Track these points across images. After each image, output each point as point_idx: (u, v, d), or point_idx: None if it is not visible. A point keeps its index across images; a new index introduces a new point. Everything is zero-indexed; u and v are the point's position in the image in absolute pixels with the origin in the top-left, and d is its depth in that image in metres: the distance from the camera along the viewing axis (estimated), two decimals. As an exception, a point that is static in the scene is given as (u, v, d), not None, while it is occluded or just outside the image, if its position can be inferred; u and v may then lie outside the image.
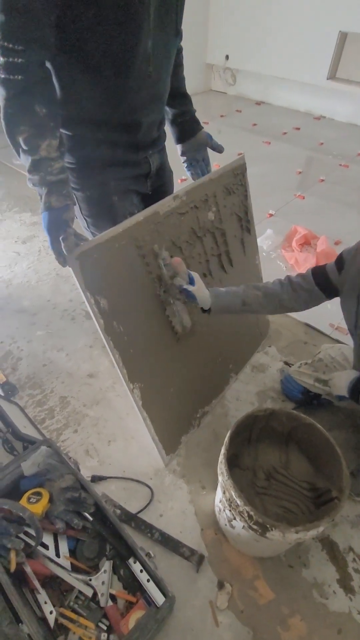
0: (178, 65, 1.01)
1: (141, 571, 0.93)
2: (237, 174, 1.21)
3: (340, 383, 1.10)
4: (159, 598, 0.89)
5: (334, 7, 3.16)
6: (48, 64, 0.79)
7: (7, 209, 2.50)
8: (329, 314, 1.69)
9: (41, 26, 0.69)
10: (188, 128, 1.11)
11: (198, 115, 1.14)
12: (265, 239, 2.17)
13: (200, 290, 0.99)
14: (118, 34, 0.75)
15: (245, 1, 3.61)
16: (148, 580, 0.91)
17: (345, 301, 1.02)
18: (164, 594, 0.89)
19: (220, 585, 1.00)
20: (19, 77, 0.70)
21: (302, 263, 1.99)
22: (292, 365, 1.43)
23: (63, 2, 0.69)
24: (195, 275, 1.00)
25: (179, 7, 0.84)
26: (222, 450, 0.91)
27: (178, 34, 0.88)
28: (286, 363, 1.54)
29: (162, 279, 1.01)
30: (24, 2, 0.65)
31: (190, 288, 0.98)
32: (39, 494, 0.97)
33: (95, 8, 0.70)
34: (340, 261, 1.00)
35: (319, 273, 1.03)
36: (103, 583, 0.91)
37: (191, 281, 0.99)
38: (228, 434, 0.92)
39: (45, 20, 0.69)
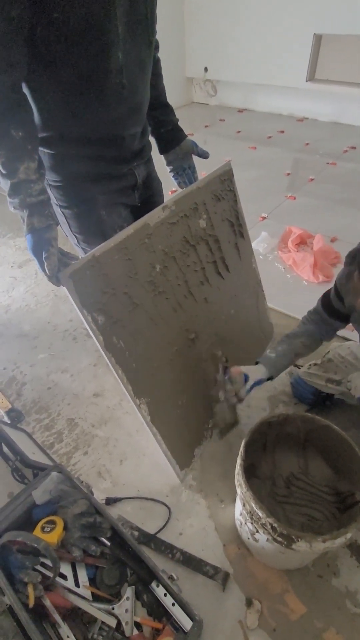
0: (156, 76, 1.01)
1: (165, 595, 0.89)
2: (224, 180, 1.21)
3: None
4: (186, 623, 0.85)
5: (306, 11, 3.23)
6: (25, 89, 0.79)
7: (1, 235, 2.51)
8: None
9: (9, 48, 0.69)
10: (171, 138, 1.11)
11: (182, 127, 1.13)
12: (261, 242, 2.16)
13: (257, 373, 1.06)
14: (86, 49, 0.75)
15: (218, 13, 3.70)
16: (173, 604, 0.87)
17: (357, 325, 1.04)
18: (191, 617, 0.85)
19: (249, 603, 0.96)
20: None
21: (300, 263, 1.98)
22: (301, 367, 1.40)
23: (30, 23, 0.69)
24: (246, 369, 1.06)
25: (150, 17, 0.84)
26: (238, 461, 0.88)
27: (151, 44, 0.88)
28: (295, 365, 1.51)
29: (226, 388, 1.08)
30: None
31: (252, 382, 1.04)
32: (52, 522, 0.93)
33: (61, 25, 0.70)
34: (337, 290, 1.03)
35: (327, 306, 1.07)
36: (126, 611, 0.87)
37: (246, 377, 1.05)
38: (242, 444, 0.90)
39: (14, 42, 0.69)
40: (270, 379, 1.09)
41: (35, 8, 0.68)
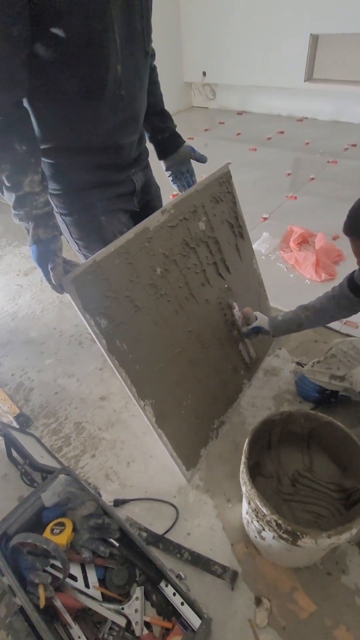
0: (153, 83, 1.03)
1: (174, 594, 0.90)
2: (223, 182, 1.22)
3: None
4: (195, 621, 0.85)
5: (302, 12, 3.24)
6: (25, 102, 0.81)
7: (6, 244, 2.55)
8: (335, 309, 1.67)
9: (11, 65, 0.71)
10: (169, 144, 1.12)
11: (182, 131, 1.15)
12: (263, 243, 2.17)
13: (261, 319, 1.28)
14: (85, 64, 0.77)
15: (214, 17, 3.73)
16: (182, 604, 0.88)
17: None
18: (200, 616, 0.86)
19: (258, 602, 0.96)
20: None
21: (302, 262, 1.98)
22: (305, 365, 1.40)
23: (30, 40, 0.71)
24: (257, 314, 1.30)
25: (145, 30, 0.85)
26: (242, 460, 0.89)
27: (147, 54, 0.90)
28: (298, 363, 1.51)
29: (236, 324, 1.32)
30: None
31: (255, 324, 1.28)
32: (62, 524, 0.95)
33: (61, 41, 0.72)
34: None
35: (350, 282, 1.09)
36: (136, 611, 0.88)
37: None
38: (246, 442, 0.90)
39: (15, 60, 0.70)
40: (273, 335, 1.28)
41: (35, 25, 0.70)
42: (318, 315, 1.18)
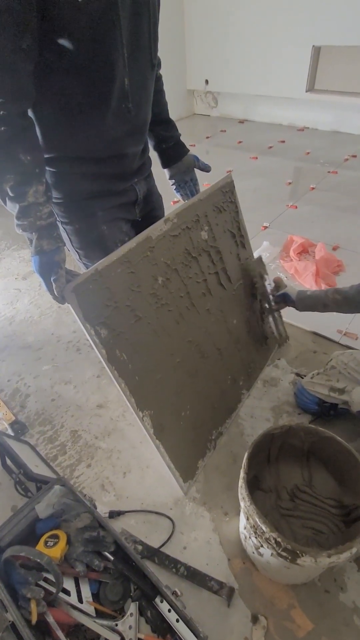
0: (158, 93, 1.03)
1: (169, 611, 0.87)
2: (226, 191, 1.22)
3: None
4: (190, 639, 0.83)
5: (305, 24, 3.29)
6: (30, 112, 0.81)
7: (5, 247, 2.54)
8: (335, 320, 1.66)
9: (19, 77, 0.70)
10: (173, 153, 1.12)
11: (184, 138, 1.16)
12: (263, 251, 2.17)
13: (290, 288, 1.31)
14: (93, 77, 0.77)
15: (218, 27, 3.77)
16: (177, 621, 0.86)
17: None
18: (196, 634, 0.84)
19: (255, 619, 0.94)
20: (3, 128, 0.71)
21: (302, 272, 1.98)
22: (305, 376, 1.40)
23: (39, 52, 0.71)
24: (288, 284, 1.34)
25: (152, 41, 0.85)
26: (241, 474, 0.87)
27: (154, 66, 0.90)
28: (298, 374, 1.51)
29: (266, 296, 1.40)
30: (1, 57, 0.66)
31: (284, 290, 1.31)
32: (55, 536, 0.93)
33: (68, 54, 0.72)
34: None
35: None
36: (130, 627, 0.86)
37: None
38: (245, 456, 0.89)
39: (23, 72, 0.70)
40: (297, 308, 1.29)
41: (42, 36, 0.69)
42: (346, 301, 1.16)
